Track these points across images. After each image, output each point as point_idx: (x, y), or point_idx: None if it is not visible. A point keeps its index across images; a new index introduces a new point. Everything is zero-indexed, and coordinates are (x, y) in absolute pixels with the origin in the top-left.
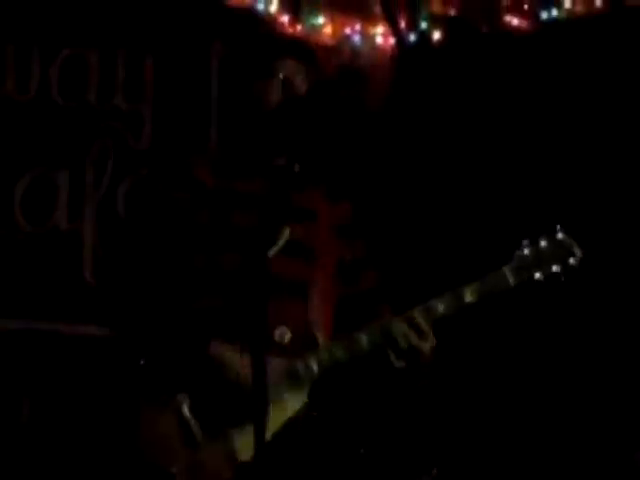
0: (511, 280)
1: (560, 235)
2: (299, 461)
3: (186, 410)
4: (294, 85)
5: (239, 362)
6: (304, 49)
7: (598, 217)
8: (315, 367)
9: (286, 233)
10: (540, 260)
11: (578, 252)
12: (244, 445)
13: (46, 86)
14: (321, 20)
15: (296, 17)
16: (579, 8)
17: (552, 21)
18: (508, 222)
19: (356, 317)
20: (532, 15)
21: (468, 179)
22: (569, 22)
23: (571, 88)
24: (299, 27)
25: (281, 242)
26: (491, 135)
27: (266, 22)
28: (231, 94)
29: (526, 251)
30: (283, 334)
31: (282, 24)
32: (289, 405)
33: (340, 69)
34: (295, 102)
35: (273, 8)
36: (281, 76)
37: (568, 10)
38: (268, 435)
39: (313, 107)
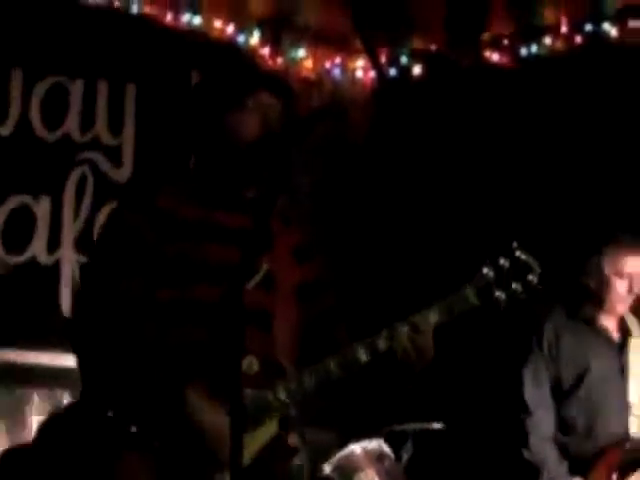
0: (474, 300)
1: (518, 253)
2: None
3: (160, 458)
4: (269, 119)
5: (213, 409)
6: (281, 84)
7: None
8: (284, 396)
9: (264, 266)
10: (501, 278)
11: (537, 269)
12: None
13: (27, 114)
14: (302, 53)
15: (277, 50)
16: (559, 45)
17: (532, 57)
18: (468, 242)
19: (318, 340)
20: (512, 51)
21: (435, 203)
22: (549, 58)
23: (550, 123)
24: (280, 60)
25: (260, 275)
26: (465, 165)
27: (245, 55)
28: (206, 125)
29: (486, 270)
30: (251, 364)
31: (263, 57)
32: (259, 435)
33: (320, 103)
34: (269, 137)
35: (254, 40)
36: (254, 109)
37: (548, 46)
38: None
39: (288, 143)
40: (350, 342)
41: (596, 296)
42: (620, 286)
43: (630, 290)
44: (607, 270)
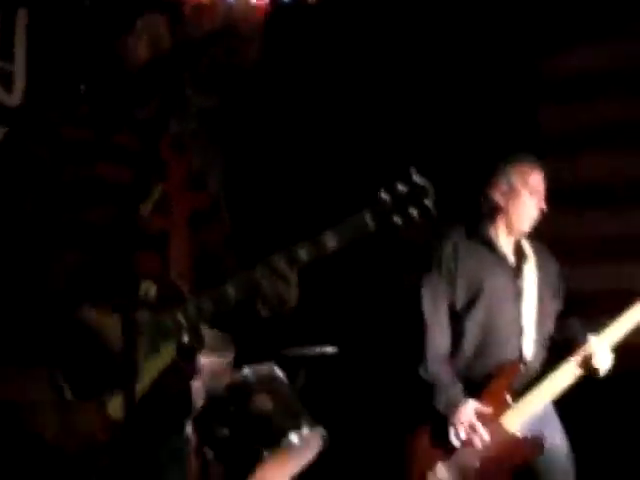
0: (370, 224)
1: (415, 177)
2: (170, 417)
3: (57, 374)
4: (160, 41)
5: (109, 324)
6: (171, 5)
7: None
8: (183, 320)
9: (159, 189)
10: (398, 203)
11: (432, 193)
12: (117, 404)
13: None
14: None
15: None
16: None
17: None
18: (364, 168)
19: (210, 267)
20: None
21: (331, 129)
22: None
23: (447, 45)
24: None
25: (154, 198)
26: (360, 89)
27: None
28: (97, 49)
29: (384, 195)
30: (148, 289)
31: None
32: (158, 360)
33: (213, 27)
34: (159, 59)
35: None
36: (144, 31)
37: None
38: (138, 391)
39: (177, 65)
40: (241, 269)
41: (504, 212)
42: (530, 201)
43: (537, 207)
44: (517, 184)
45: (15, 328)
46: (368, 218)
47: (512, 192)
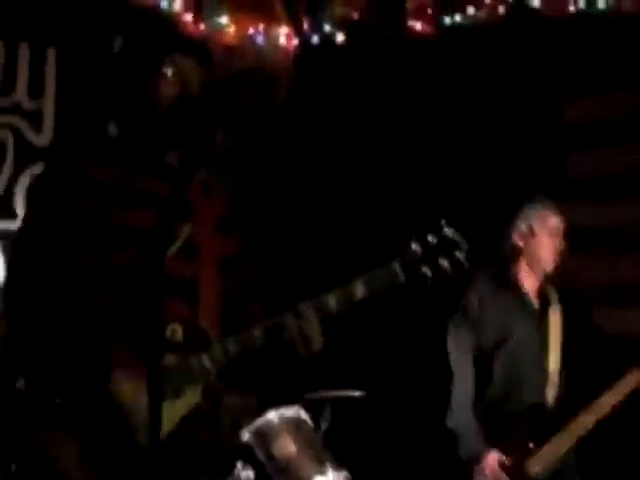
0: (401, 275)
1: (446, 230)
2: (195, 461)
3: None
4: (189, 84)
5: (138, 397)
6: (200, 48)
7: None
8: (208, 364)
9: (186, 231)
10: (428, 255)
11: (464, 246)
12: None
13: None
14: (225, 20)
15: (200, 16)
16: (482, 14)
17: (455, 27)
18: (397, 219)
19: (238, 313)
20: (435, 20)
21: (360, 177)
22: (472, 28)
23: (472, 93)
24: (202, 26)
25: (181, 240)
26: (388, 135)
27: (165, 19)
28: (126, 90)
29: (414, 247)
30: (175, 332)
31: (185, 23)
32: (182, 403)
33: (242, 69)
34: (188, 101)
35: (177, 7)
36: (172, 73)
37: (471, 16)
38: (162, 434)
39: (206, 107)
40: (266, 315)
41: (523, 253)
42: (547, 242)
43: (555, 247)
44: (536, 226)
45: (44, 379)
46: (398, 268)
47: (530, 234)
